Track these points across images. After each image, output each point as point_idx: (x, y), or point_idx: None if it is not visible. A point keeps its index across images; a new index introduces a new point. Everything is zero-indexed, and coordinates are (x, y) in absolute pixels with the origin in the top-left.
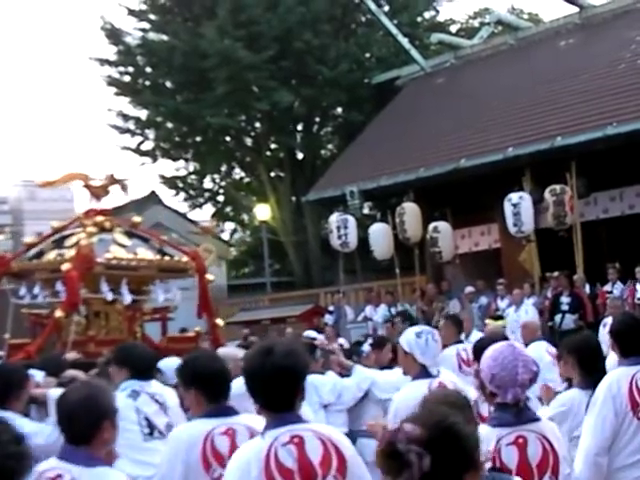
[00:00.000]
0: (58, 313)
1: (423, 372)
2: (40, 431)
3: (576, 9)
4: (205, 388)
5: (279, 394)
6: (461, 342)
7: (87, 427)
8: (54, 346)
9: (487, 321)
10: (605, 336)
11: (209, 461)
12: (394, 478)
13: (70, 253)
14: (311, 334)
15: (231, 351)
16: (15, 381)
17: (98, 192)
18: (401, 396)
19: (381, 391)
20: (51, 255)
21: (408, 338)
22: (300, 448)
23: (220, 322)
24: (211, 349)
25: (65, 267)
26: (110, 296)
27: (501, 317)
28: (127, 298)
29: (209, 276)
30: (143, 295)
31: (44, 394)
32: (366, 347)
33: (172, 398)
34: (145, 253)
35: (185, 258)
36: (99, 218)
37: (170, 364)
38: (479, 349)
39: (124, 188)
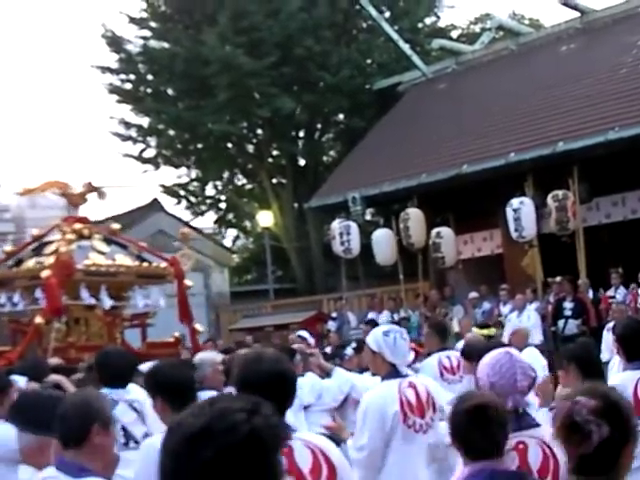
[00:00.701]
0: (38, 319)
1: (393, 372)
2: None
3: (577, 14)
4: (170, 396)
5: (272, 400)
6: (445, 349)
7: (77, 429)
8: (35, 353)
9: (473, 329)
10: (609, 340)
11: None
12: (576, 448)
13: (49, 260)
14: (303, 334)
15: (209, 356)
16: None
17: (76, 200)
18: (370, 396)
19: (359, 394)
20: (30, 263)
21: (376, 338)
22: (290, 457)
23: (199, 327)
24: (191, 355)
25: (45, 274)
26: (90, 302)
27: (488, 326)
28: (107, 304)
29: (188, 282)
30: (122, 301)
31: None
32: (349, 350)
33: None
34: (124, 259)
35: (164, 264)
36: (78, 225)
37: None
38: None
39: (101, 196)
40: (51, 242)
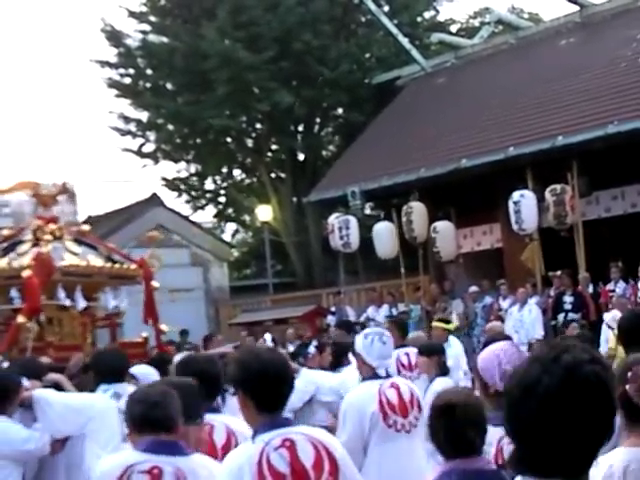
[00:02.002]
0: (20, 319)
1: (372, 373)
2: (32, 437)
3: (576, 8)
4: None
5: (272, 396)
6: (404, 346)
7: (174, 415)
8: (10, 352)
9: (434, 323)
10: (606, 332)
11: None
12: None
13: (23, 260)
14: (267, 337)
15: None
16: (12, 387)
17: (47, 200)
18: (351, 397)
19: (323, 394)
20: (3, 262)
21: (358, 339)
22: (292, 452)
23: (164, 327)
24: (155, 355)
25: (25, 274)
26: (66, 302)
27: (449, 321)
28: (81, 304)
29: (154, 283)
30: (94, 301)
31: (30, 397)
32: (312, 349)
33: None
34: (95, 260)
35: (133, 266)
36: (51, 226)
37: (144, 370)
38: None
39: (72, 197)
40: (21, 242)
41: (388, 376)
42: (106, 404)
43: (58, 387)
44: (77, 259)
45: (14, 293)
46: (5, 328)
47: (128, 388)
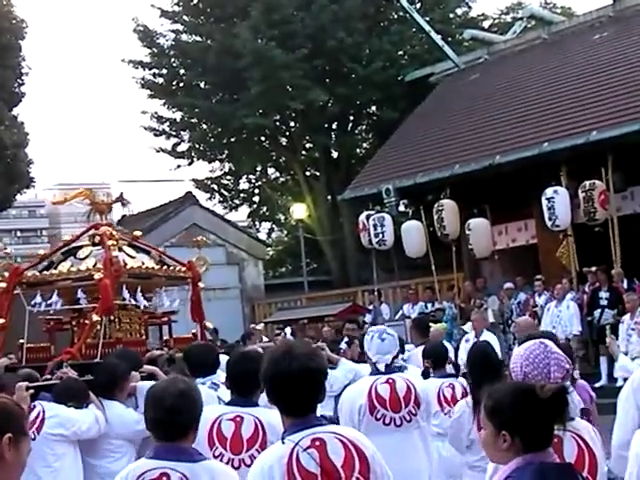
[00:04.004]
0: (95, 317)
1: (374, 368)
2: (142, 419)
3: (609, 2)
4: None
5: (302, 398)
6: (424, 344)
7: (188, 421)
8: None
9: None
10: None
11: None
12: None
13: (88, 264)
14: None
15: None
16: (119, 374)
17: (102, 208)
18: (346, 391)
19: None
20: (66, 266)
21: (364, 337)
22: (322, 451)
23: (209, 325)
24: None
25: (97, 276)
26: (130, 302)
27: (439, 321)
28: (143, 303)
29: (201, 284)
30: (150, 301)
31: (134, 387)
32: (343, 345)
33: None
34: (149, 263)
35: (184, 268)
36: (111, 232)
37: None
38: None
39: (125, 205)
40: (80, 247)
41: (392, 372)
42: (206, 392)
43: (154, 378)
44: (135, 262)
45: (81, 294)
46: (71, 327)
47: (222, 375)
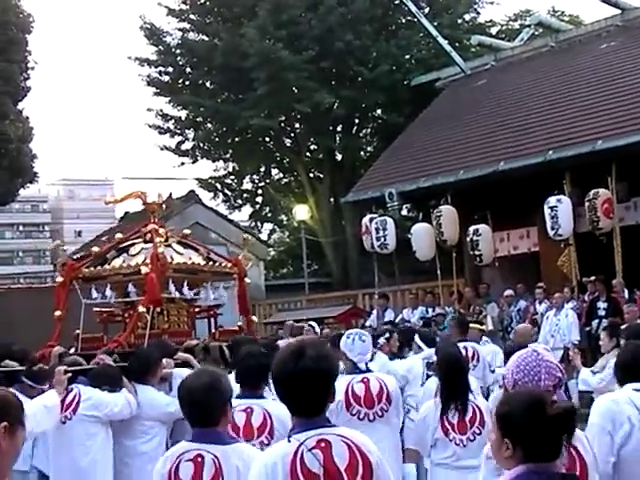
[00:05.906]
0: (141, 308)
1: (352, 368)
2: (173, 402)
3: (617, 11)
4: None
5: (308, 399)
6: (465, 341)
7: (214, 412)
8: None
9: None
10: None
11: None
12: None
13: (138, 259)
14: (312, 324)
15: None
16: (152, 360)
17: (154, 208)
18: None
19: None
20: (118, 262)
21: (342, 339)
22: (327, 453)
23: (255, 319)
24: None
25: (144, 270)
26: (176, 295)
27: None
28: (189, 296)
29: (247, 280)
30: (197, 295)
31: (170, 373)
32: (382, 340)
33: None
34: (197, 259)
35: (229, 264)
36: (161, 230)
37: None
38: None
39: (169, 206)
40: (132, 244)
41: (368, 370)
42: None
43: (188, 365)
44: (182, 258)
45: (131, 288)
46: (123, 318)
47: None
